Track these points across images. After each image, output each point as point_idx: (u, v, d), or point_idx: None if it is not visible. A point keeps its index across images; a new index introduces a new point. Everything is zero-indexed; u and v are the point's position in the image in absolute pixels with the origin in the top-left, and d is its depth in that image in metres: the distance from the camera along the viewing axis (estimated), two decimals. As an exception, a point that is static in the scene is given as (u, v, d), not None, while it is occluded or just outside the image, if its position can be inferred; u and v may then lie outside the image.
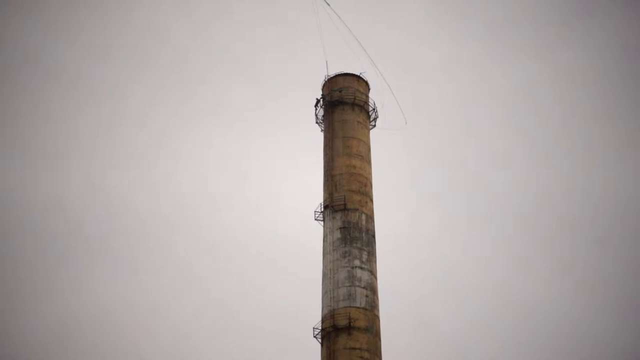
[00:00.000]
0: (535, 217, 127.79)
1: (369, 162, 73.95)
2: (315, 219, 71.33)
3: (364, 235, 68.81)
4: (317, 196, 73.12)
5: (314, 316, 67.17)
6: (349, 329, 63.93)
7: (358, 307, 64.98)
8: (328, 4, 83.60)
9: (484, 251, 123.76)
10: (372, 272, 67.54)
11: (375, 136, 77.02)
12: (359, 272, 66.65)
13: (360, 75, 77.52)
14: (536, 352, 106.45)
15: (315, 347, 65.78)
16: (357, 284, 66.08)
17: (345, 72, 77.59)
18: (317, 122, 77.26)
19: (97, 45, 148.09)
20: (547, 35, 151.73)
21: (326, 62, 78.78)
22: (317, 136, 77.60)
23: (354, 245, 67.99)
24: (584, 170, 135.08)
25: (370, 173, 73.37)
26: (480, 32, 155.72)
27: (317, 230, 71.48)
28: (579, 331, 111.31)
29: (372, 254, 68.49)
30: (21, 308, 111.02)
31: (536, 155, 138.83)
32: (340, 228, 68.98)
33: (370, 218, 70.39)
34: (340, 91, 76.20)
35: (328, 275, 67.20)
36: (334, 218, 69.72)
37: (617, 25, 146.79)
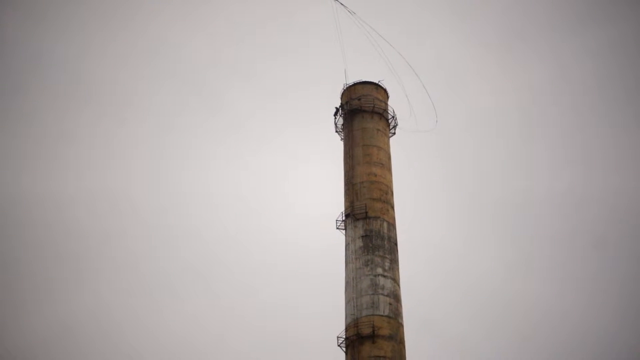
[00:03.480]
0: (536, 218, 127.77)
1: (389, 169, 73.93)
2: (337, 228, 71.33)
3: (386, 243, 68.75)
4: (338, 205, 73.25)
5: (338, 325, 67.19)
6: (372, 337, 63.83)
7: (382, 315, 64.90)
8: (352, 13, 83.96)
9: (484, 251, 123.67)
10: (395, 280, 67.44)
11: (402, 139, 77.43)
12: (382, 280, 66.58)
13: (379, 83, 77.63)
14: (536, 352, 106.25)
15: (340, 355, 65.77)
16: (380, 292, 66.00)
17: (363, 80, 77.74)
18: (336, 131, 77.36)
19: (98, 45, 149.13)
20: (558, 37, 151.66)
21: (345, 70, 79.02)
22: (337, 145, 77.80)
23: (377, 253, 67.94)
24: (584, 170, 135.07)
25: (391, 181, 73.32)
26: (503, 36, 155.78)
27: (339, 238, 71.57)
28: (579, 331, 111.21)
29: (394, 261, 68.40)
30: (21, 308, 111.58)
31: (537, 156, 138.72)
32: (362, 236, 68.96)
33: (392, 226, 70.32)
34: (359, 99, 76.29)
35: (351, 284, 67.16)
36: (355, 226, 69.71)
37: (620, 30, 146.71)
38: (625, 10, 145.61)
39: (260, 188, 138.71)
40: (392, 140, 76.80)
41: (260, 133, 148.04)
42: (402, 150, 79.51)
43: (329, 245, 73.63)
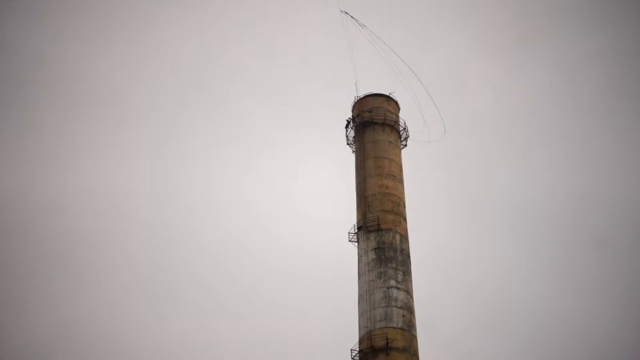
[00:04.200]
0: (536, 218, 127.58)
1: (401, 181, 74.02)
2: (349, 240, 71.41)
3: (398, 255, 68.80)
4: (350, 217, 73.34)
5: (352, 337, 67.18)
6: (386, 349, 63.83)
7: (395, 328, 64.90)
8: (363, 25, 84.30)
9: (485, 252, 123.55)
10: (408, 292, 67.44)
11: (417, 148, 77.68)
12: (395, 292, 66.60)
13: (390, 95, 77.82)
14: (536, 352, 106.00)
15: (354, 368, 65.70)
16: (394, 304, 66.01)
17: (374, 92, 77.98)
18: (348, 144, 77.56)
19: (98, 46, 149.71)
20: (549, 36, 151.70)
21: (355, 82, 79.26)
22: (349, 157, 77.95)
23: (389, 265, 67.97)
24: (584, 171, 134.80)
25: (403, 192, 73.41)
26: (507, 41, 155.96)
27: (351, 251, 71.61)
28: (579, 331, 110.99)
29: (407, 273, 68.41)
30: (21, 308, 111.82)
31: (537, 157, 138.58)
32: (374, 249, 69.02)
33: (404, 237, 70.36)
34: (370, 111, 76.49)
35: (364, 297, 67.20)
36: (368, 239, 69.78)
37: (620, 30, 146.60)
38: (627, 12, 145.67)
39: (261, 190, 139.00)
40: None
41: (264, 136, 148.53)
42: (410, 160, 79.82)
43: (331, 248, 73.81)
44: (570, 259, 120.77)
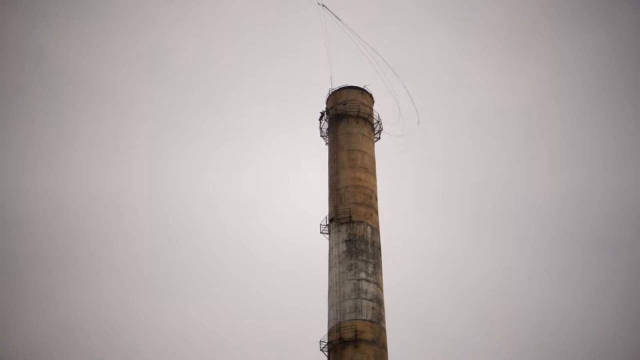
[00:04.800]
0: (536, 218, 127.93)
1: (374, 174, 74.06)
2: (321, 232, 71.41)
3: (369, 247, 68.85)
4: (322, 209, 73.35)
5: (321, 329, 67.16)
6: (355, 341, 63.85)
7: (364, 320, 64.95)
8: (339, 19, 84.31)
9: (484, 252, 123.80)
10: (378, 284, 67.51)
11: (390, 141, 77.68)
12: (365, 285, 66.64)
13: (364, 88, 77.82)
14: (536, 352, 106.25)
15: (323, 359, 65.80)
16: (364, 296, 66.05)
17: (349, 84, 77.92)
18: (321, 136, 77.54)
19: (98, 45, 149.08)
20: (547, 35, 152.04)
21: (330, 75, 79.19)
22: (322, 149, 77.90)
23: (360, 257, 68.00)
24: (584, 171, 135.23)
25: (375, 185, 73.45)
26: (484, 35, 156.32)
27: (323, 243, 71.62)
28: (579, 331, 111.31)
29: (378, 266, 68.48)
30: (21, 308, 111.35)
31: (536, 157, 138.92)
32: (345, 241, 69.03)
33: (375, 230, 70.42)
34: (344, 104, 76.45)
35: (334, 288, 67.21)
36: (339, 231, 69.79)
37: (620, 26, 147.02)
38: (626, 10, 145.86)
39: (253, 189, 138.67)
40: (385, 145, 77.01)
41: (251, 135, 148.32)
42: (391, 154, 79.94)
43: (315, 251, 73.71)
44: (571, 259, 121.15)
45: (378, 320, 65.60)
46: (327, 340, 65.39)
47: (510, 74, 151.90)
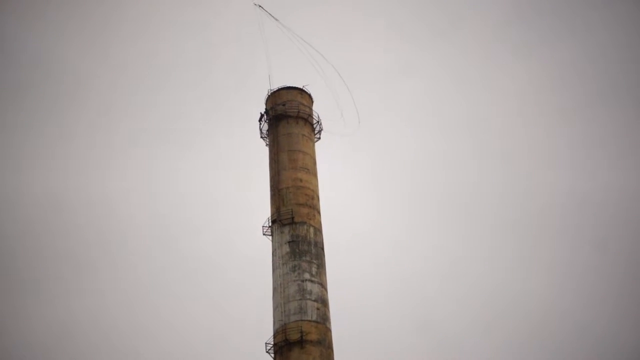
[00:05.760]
0: (536, 218, 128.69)
1: (315, 174, 74.04)
2: (264, 234, 71.11)
3: (312, 248, 68.81)
4: (264, 211, 73.02)
5: (267, 331, 66.90)
6: (301, 342, 63.75)
7: (310, 321, 64.88)
8: (276, 19, 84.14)
9: (484, 252, 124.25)
10: (323, 285, 67.52)
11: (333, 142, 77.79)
12: (309, 285, 66.59)
13: (303, 88, 77.75)
14: (536, 352, 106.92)
15: (269, 362, 65.52)
16: (308, 297, 66.00)
17: (288, 85, 77.78)
18: (261, 137, 77.16)
19: (98, 46, 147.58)
20: (535, 33, 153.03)
21: (269, 75, 78.92)
22: (262, 150, 77.58)
23: (304, 258, 67.93)
24: (584, 170, 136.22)
25: (317, 185, 73.44)
26: (434, 29, 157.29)
27: (266, 245, 71.34)
28: (579, 331, 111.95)
29: (321, 266, 68.49)
30: (21, 308, 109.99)
31: (536, 156, 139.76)
32: (288, 242, 68.88)
33: (318, 231, 70.42)
34: (283, 105, 76.29)
35: (278, 290, 66.99)
36: (282, 232, 69.60)
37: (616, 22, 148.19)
38: (626, 10, 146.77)
39: (181, 196, 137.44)
40: (327, 144, 76.99)
41: (183, 137, 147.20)
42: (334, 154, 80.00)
43: (258, 253, 73.48)
44: (571, 259, 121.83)
45: (323, 320, 65.61)
46: (272, 342, 65.18)
47: (505, 70, 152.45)
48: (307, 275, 67.05)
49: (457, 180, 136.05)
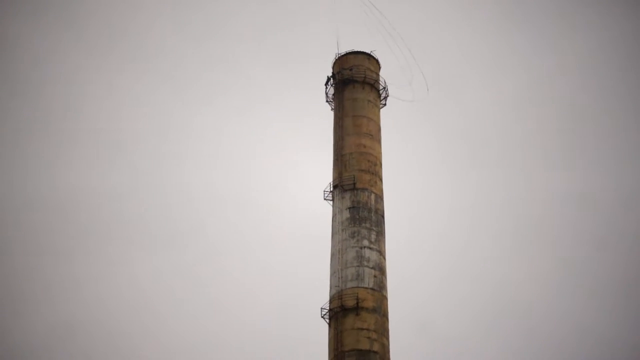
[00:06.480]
0: (536, 218, 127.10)
1: (379, 141, 73.26)
2: (325, 199, 70.88)
3: (372, 215, 68.25)
4: (327, 176, 72.71)
5: (323, 296, 66.84)
6: (356, 309, 63.50)
7: (366, 288, 64.55)
8: None
9: (484, 252, 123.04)
10: (381, 252, 67.02)
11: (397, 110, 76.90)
12: (367, 252, 66.16)
13: (371, 54, 76.76)
14: (536, 352, 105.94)
15: (323, 327, 65.51)
16: (366, 264, 65.61)
17: (356, 49, 76.86)
18: (327, 101, 76.64)
19: (97, 45, 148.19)
20: (562, 23, 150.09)
21: (337, 40, 78.11)
22: (328, 115, 77.03)
23: (363, 225, 67.45)
24: (583, 170, 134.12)
25: (380, 152, 72.68)
26: (500, 14, 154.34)
27: (327, 210, 71.07)
28: (578, 331, 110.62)
29: (381, 234, 67.95)
30: (21, 308, 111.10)
31: (535, 156, 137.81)
32: (349, 208, 68.44)
33: (379, 198, 69.79)
34: (350, 69, 75.45)
35: (336, 256, 66.76)
36: (343, 198, 69.18)
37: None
38: (626, 10, 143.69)
39: (248, 159, 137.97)
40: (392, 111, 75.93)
41: (255, 96, 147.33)
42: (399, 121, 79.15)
43: (319, 217, 73.32)
44: (571, 259, 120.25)
45: (380, 288, 65.19)
46: (328, 308, 65.07)
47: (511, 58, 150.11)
48: (365, 242, 66.60)
49: (458, 180, 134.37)
